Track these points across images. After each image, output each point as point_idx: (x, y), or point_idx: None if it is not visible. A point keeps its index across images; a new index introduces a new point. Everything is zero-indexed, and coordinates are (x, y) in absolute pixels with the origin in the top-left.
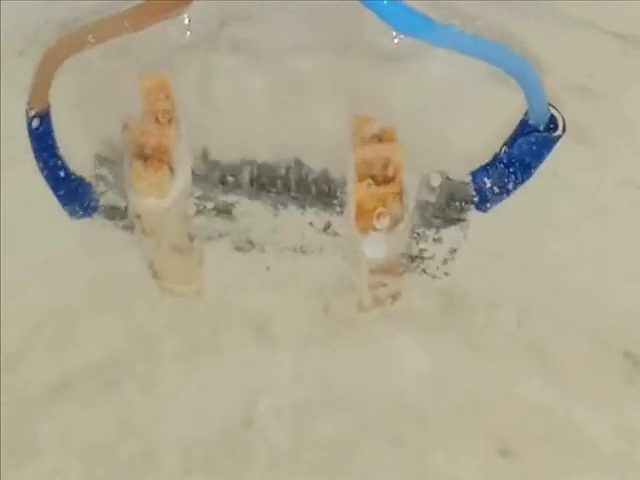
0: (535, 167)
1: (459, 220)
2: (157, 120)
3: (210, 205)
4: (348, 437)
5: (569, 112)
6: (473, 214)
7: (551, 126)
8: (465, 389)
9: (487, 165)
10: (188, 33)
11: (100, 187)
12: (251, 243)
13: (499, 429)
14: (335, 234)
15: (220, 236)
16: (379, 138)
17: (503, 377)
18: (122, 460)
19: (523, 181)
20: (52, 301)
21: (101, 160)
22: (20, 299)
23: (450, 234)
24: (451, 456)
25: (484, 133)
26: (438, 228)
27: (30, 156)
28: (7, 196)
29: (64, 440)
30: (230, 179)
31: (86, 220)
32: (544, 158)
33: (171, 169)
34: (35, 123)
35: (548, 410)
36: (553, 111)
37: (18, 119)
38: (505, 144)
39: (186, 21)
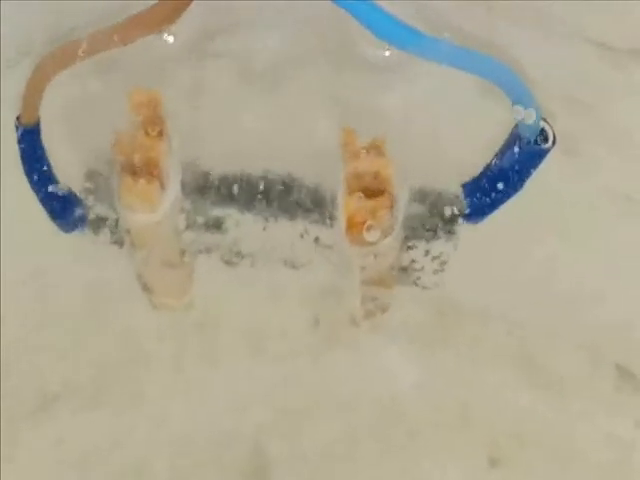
0: (525, 179)
1: (449, 232)
2: (147, 133)
3: (200, 219)
4: (339, 449)
5: (558, 124)
6: (463, 226)
7: (541, 138)
8: (455, 399)
9: (477, 177)
10: (177, 45)
11: (89, 201)
12: (241, 256)
13: (489, 439)
14: (325, 247)
15: (210, 249)
16: (369, 151)
17: (494, 388)
18: (112, 471)
19: (513, 193)
20: (43, 313)
21: (90, 174)
22: (12, 310)
23: (440, 246)
24: (441, 466)
25: (474, 145)
26: (428, 240)
27: (20, 169)
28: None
29: (53, 451)
30: (220, 192)
31: (77, 234)
32: (534, 170)
33: (161, 183)
34: (25, 137)
35: (539, 420)
36: (543, 123)
37: (8, 131)
38: (495, 156)
39: (173, 37)
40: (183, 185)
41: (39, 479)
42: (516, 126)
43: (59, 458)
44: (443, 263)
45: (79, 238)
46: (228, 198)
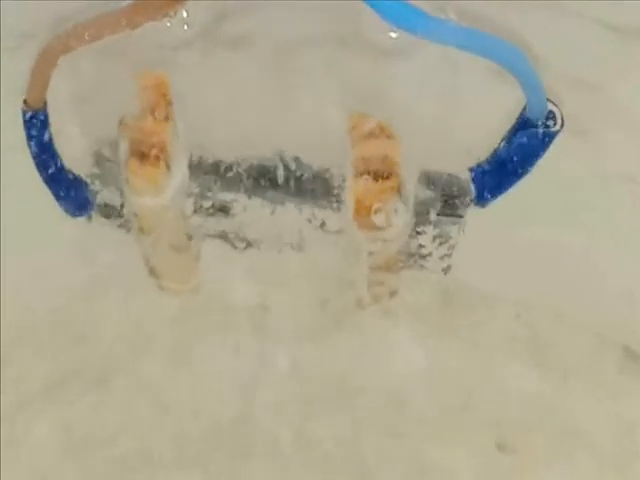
0: (533, 162)
1: (457, 216)
2: (154, 117)
3: (207, 203)
4: (346, 432)
5: (566, 105)
6: (471, 209)
7: (549, 121)
8: (463, 383)
9: (486, 161)
10: (184, 29)
11: (96, 185)
12: (248, 241)
13: (496, 422)
14: (332, 232)
15: (217, 234)
16: (376, 134)
17: (501, 371)
18: (118, 456)
19: (521, 176)
20: (49, 299)
21: (97, 158)
22: (17, 297)
23: (448, 230)
24: (449, 450)
25: (483, 129)
26: (436, 224)
27: (26, 157)
28: (3, 197)
29: (60, 437)
30: (227, 177)
31: (83, 219)
32: (542, 153)
33: (168, 166)
34: (31, 121)
35: (546, 403)
36: (551, 106)
37: (14, 118)
38: (503, 139)
39: (182, 17)
40: (190, 169)
41: (41, 464)
42: (524, 109)
43: (62, 443)
44: (451, 247)
45: (85, 222)
46: (235, 183)
